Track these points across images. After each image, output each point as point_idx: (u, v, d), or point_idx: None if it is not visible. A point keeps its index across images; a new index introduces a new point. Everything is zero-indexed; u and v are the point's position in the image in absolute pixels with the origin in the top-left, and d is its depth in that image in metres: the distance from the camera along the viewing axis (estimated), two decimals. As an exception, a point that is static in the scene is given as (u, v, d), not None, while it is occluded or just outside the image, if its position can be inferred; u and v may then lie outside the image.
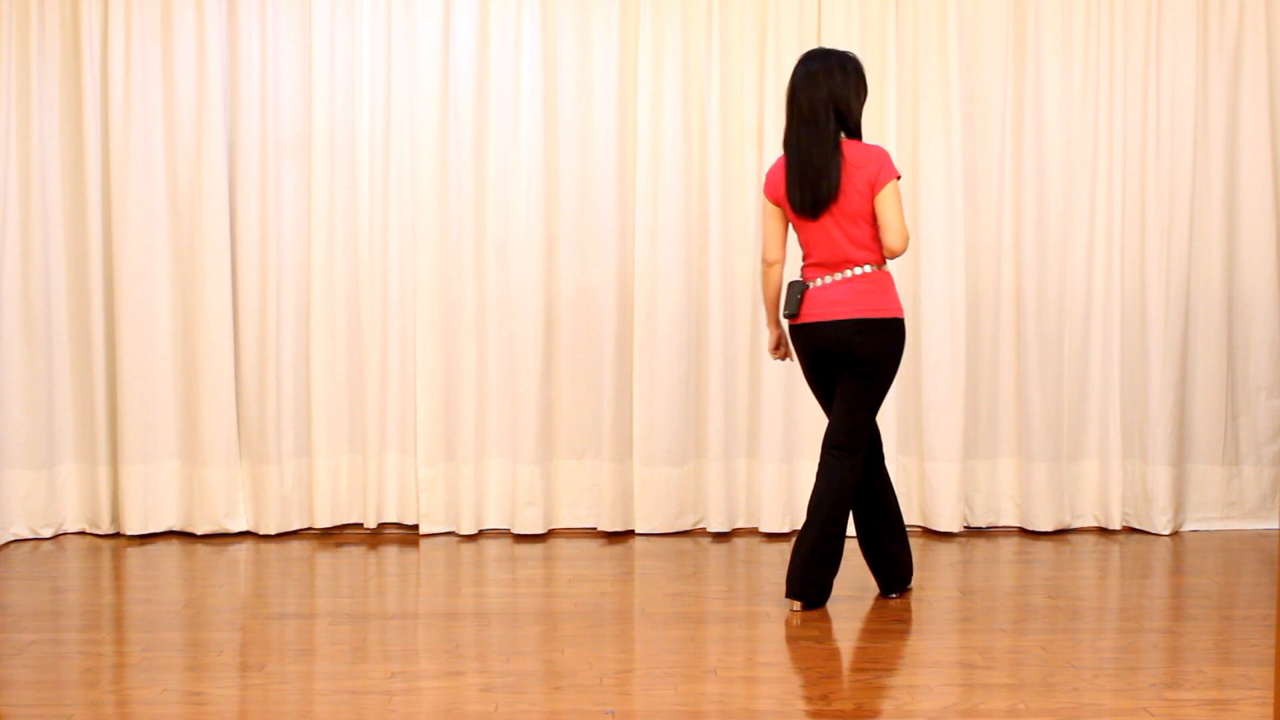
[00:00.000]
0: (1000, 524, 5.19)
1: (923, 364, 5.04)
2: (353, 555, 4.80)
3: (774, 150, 5.02)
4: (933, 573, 4.49)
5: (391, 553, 4.85)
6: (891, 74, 5.02)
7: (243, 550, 4.88)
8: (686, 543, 5.00)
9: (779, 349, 4.16)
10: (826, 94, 3.87)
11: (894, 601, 4.08)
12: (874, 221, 3.88)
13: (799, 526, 5.02)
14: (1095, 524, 5.17)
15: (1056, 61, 5.09)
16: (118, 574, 4.57)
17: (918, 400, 5.08)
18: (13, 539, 4.97)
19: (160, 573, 4.55)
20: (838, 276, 3.91)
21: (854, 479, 3.94)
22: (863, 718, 3.06)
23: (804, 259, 4.00)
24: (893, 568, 4.11)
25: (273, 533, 5.05)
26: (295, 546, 4.93)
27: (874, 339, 3.88)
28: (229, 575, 4.50)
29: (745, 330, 5.10)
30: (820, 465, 3.96)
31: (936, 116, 5.04)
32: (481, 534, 5.12)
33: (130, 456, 5.00)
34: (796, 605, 3.98)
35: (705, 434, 5.09)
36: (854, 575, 4.28)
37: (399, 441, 5.10)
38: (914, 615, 3.95)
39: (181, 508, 5.09)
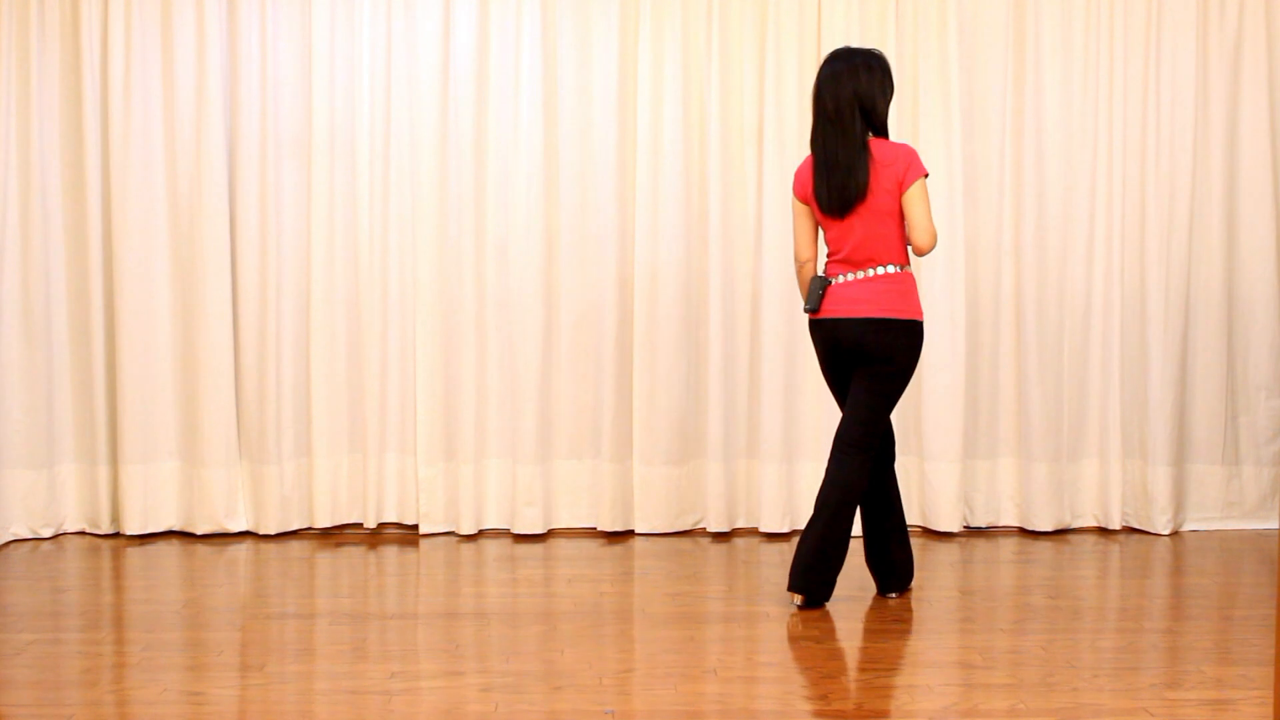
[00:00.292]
0: (1000, 524, 5.19)
1: (922, 363, 5.03)
2: (352, 555, 4.80)
3: (774, 150, 5.03)
4: (933, 573, 4.49)
5: (391, 553, 4.85)
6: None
7: (242, 550, 4.88)
8: (686, 543, 5.00)
9: None
10: (851, 93, 3.88)
11: (894, 601, 4.09)
12: (901, 220, 3.89)
13: (799, 526, 5.04)
14: (1095, 524, 5.17)
15: (1056, 61, 5.09)
16: (117, 574, 4.57)
17: (918, 400, 5.08)
18: (12, 539, 4.97)
19: (160, 573, 4.55)
20: (860, 275, 3.92)
21: (864, 476, 3.94)
22: (863, 718, 3.06)
23: (829, 255, 4.01)
24: (894, 569, 4.12)
25: (272, 533, 5.05)
26: (295, 546, 4.93)
27: (892, 339, 3.89)
28: (229, 575, 4.50)
29: (745, 330, 5.10)
30: (830, 460, 3.97)
31: (936, 116, 5.05)
32: (481, 534, 5.12)
33: (130, 456, 5.00)
34: (798, 599, 3.98)
35: (705, 434, 5.09)
36: (854, 575, 4.28)
37: (399, 441, 5.10)
38: (914, 615, 3.95)
39: (181, 508, 5.09)
